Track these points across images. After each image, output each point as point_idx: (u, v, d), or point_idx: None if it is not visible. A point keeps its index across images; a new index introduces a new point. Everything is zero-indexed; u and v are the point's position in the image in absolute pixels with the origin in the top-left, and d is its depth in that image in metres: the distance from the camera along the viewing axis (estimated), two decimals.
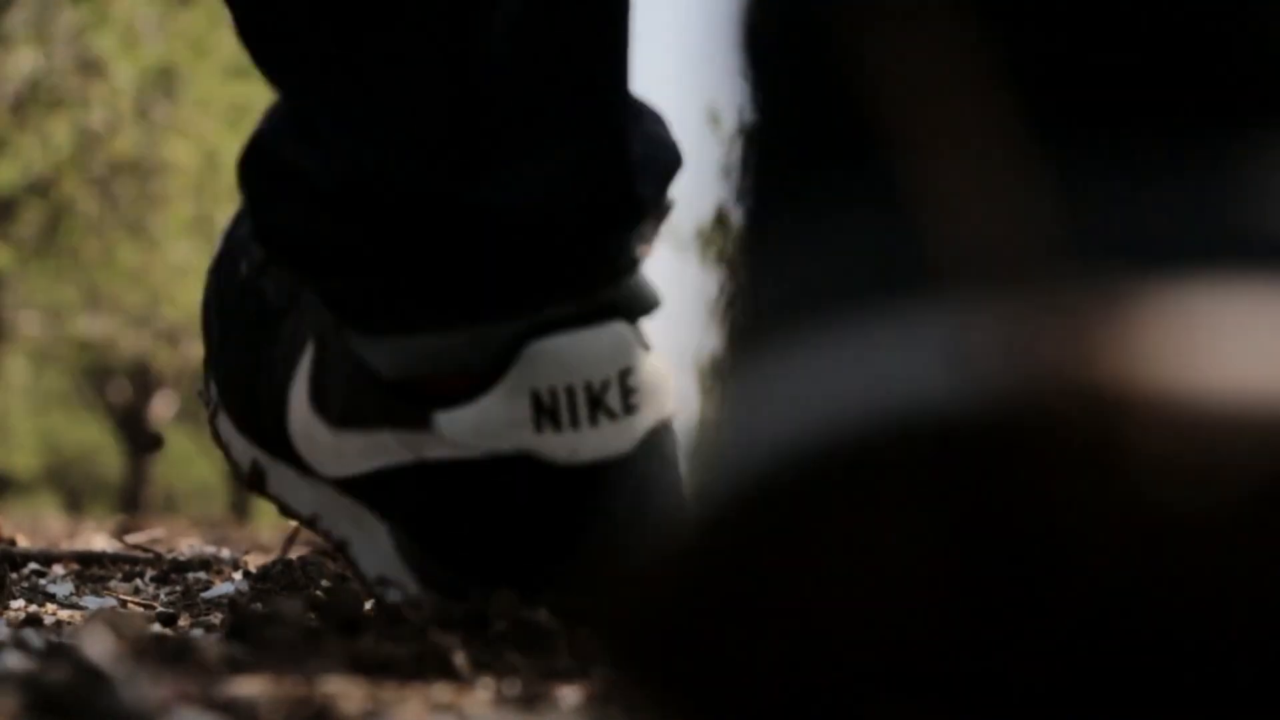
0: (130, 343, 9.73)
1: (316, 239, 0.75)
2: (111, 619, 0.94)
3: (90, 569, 1.80)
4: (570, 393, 0.71)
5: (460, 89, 0.71)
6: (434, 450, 0.74)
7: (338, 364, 0.77)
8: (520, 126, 0.71)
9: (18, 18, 5.95)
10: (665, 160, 0.75)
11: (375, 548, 0.86)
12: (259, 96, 6.96)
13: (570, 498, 0.74)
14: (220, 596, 1.50)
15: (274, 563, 1.56)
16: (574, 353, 0.71)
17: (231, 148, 6.52)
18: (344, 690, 0.89)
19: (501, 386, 0.72)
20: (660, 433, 0.75)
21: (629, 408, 0.73)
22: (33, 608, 1.47)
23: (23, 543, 2.03)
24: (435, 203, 0.71)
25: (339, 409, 0.78)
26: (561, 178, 0.71)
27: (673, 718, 0.33)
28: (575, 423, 0.72)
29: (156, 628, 1.23)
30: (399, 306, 0.73)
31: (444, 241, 0.72)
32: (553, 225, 0.72)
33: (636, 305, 0.74)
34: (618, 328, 0.72)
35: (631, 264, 0.74)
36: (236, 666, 0.93)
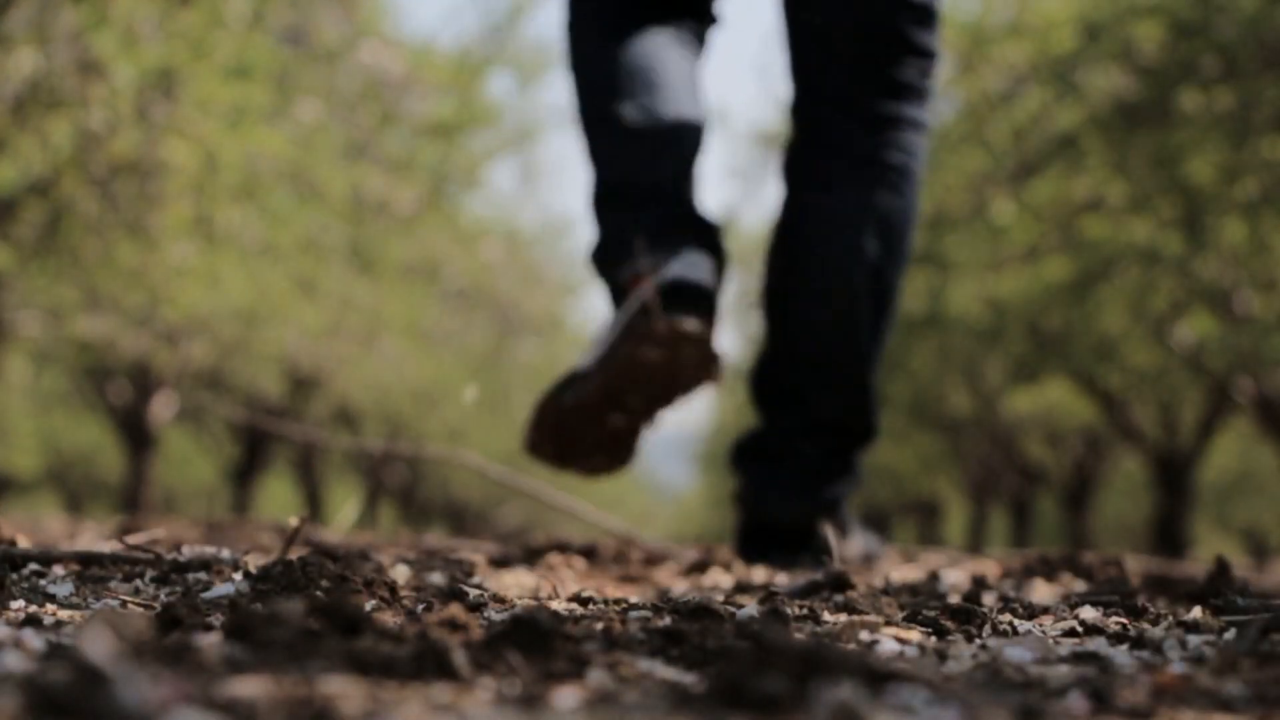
0: (130, 343, 9.72)
1: None
2: (111, 619, 0.94)
3: (90, 569, 1.80)
4: None
5: None
6: None
7: None
8: None
9: (18, 18, 5.94)
10: None
11: None
12: (259, 96, 6.95)
13: None
14: (220, 596, 1.51)
15: (274, 563, 1.57)
16: None
17: (231, 148, 6.49)
18: (344, 690, 0.89)
19: None
20: None
21: None
22: (33, 608, 1.47)
23: (23, 543, 2.03)
24: None
25: None
26: None
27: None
28: None
29: (156, 628, 1.23)
30: None
31: None
32: None
33: None
34: None
35: None
36: (236, 666, 0.93)
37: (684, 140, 2.45)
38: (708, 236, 2.44)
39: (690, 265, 2.35)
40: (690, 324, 2.31)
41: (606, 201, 2.49)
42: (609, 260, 2.47)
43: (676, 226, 2.40)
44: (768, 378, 2.65)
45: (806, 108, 2.61)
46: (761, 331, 2.71)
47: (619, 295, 2.46)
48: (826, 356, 2.53)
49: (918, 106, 2.57)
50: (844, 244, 2.50)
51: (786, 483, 2.58)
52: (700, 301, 2.35)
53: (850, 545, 2.63)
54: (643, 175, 2.43)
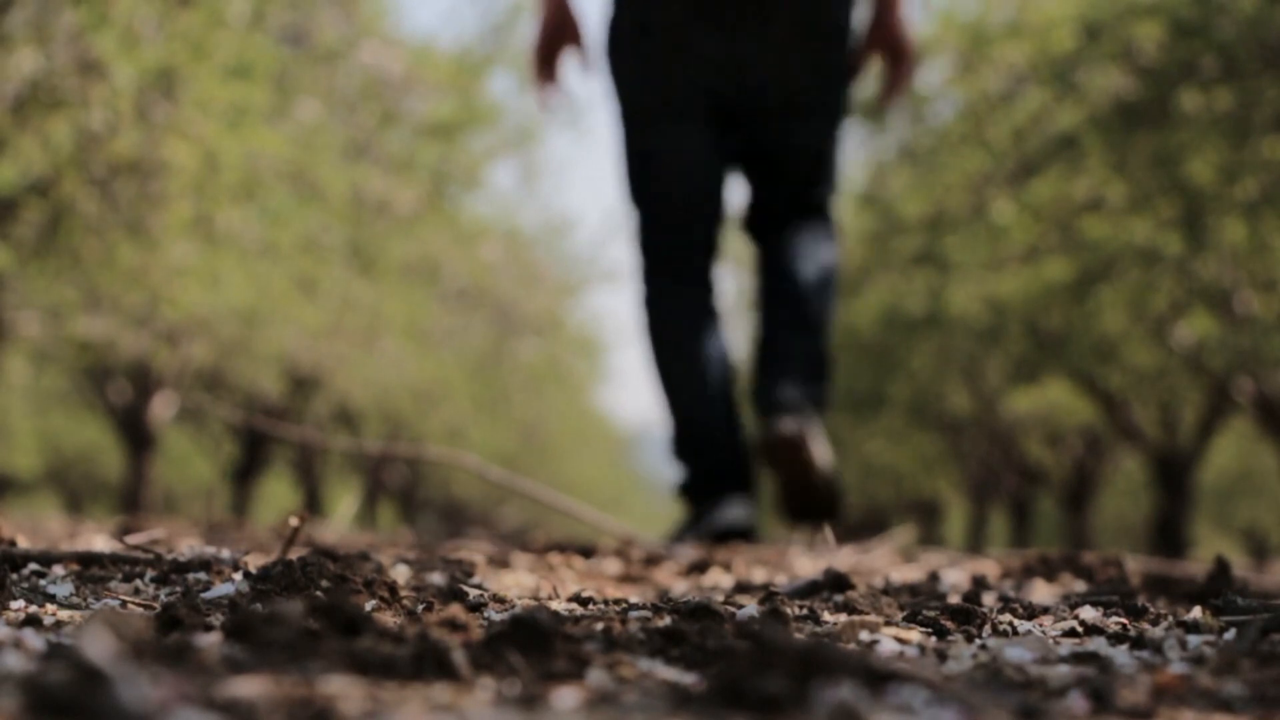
0: (130, 343, 9.72)
1: None
2: (111, 619, 0.94)
3: (90, 569, 1.80)
4: None
5: None
6: None
7: None
8: None
9: (18, 18, 5.94)
10: None
11: None
12: (259, 96, 6.95)
13: None
14: (220, 596, 1.51)
15: (274, 563, 1.57)
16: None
17: (231, 148, 6.48)
18: (344, 690, 0.89)
19: None
20: None
21: None
22: (33, 608, 1.47)
23: (23, 543, 2.03)
24: None
25: None
26: None
27: None
28: None
29: (156, 628, 1.23)
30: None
31: None
32: None
33: None
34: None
35: None
36: (236, 666, 0.93)
37: (726, 399, 3.70)
38: (746, 476, 3.70)
39: (735, 510, 3.60)
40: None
41: (680, 448, 3.73)
42: (688, 494, 3.72)
43: (724, 477, 3.65)
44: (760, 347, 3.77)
45: (759, 212, 3.80)
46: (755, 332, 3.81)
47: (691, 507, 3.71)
48: (801, 315, 3.68)
49: (830, 218, 3.82)
50: (804, 268, 3.69)
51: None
52: (742, 532, 3.57)
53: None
54: (701, 429, 3.68)
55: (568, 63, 3.76)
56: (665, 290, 3.71)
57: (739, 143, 3.69)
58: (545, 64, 3.71)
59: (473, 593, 1.77)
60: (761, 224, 3.79)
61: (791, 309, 3.65)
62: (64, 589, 1.62)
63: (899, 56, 3.69)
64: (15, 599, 1.53)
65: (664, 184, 3.66)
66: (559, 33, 3.69)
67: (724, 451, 3.64)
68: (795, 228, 3.70)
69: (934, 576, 2.49)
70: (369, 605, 1.47)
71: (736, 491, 3.62)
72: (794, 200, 3.73)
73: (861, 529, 19.97)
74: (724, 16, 3.50)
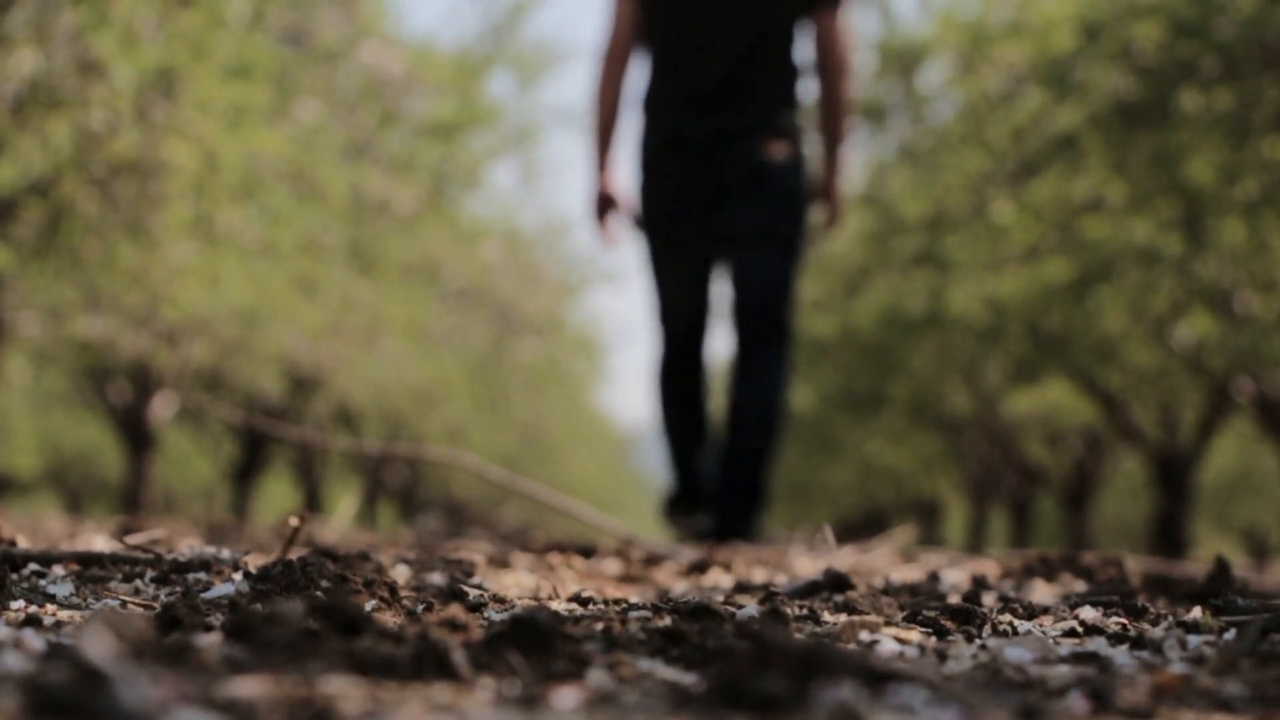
0: (130, 343, 9.72)
1: None
2: (111, 619, 0.94)
3: (90, 570, 1.80)
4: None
5: None
6: None
7: None
8: None
9: (18, 18, 5.94)
10: None
11: None
12: (259, 96, 6.95)
13: None
14: (220, 597, 1.51)
15: (274, 563, 1.57)
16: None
17: (231, 148, 6.45)
18: (344, 690, 0.89)
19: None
20: None
21: None
22: (33, 608, 1.47)
23: (23, 543, 2.03)
24: None
25: None
26: None
27: None
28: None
29: (156, 628, 1.23)
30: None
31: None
32: None
33: None
34: None
35: None
36: (236, 666, 0.93)
37: (704, 452, 5.02)
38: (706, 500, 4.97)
39: (701, 520, 4.87)
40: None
41: (671, 472, 5.04)
42: (670, 510, 5.03)
43: (697, 502, 4.95)
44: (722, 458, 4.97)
45: (738, 332, 4.98)
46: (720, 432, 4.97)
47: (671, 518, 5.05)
48: (752, 449, 4.86)
49: (788, 337, 5.00)
50: (760, 403, 4.86)
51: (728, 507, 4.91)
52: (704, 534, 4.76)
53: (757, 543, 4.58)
54: (687, 474, 5.00)
55: (617, 218, 5.07)
56: (669, 370, 5.07)
57: (727, 268, 4.98)
58: (601, 223, 5.06)
59: (473, 593, 1.77)
60: (740, 325, 5.04)
61: (745, 441, 4.88)
62: (64, 589, 1.62)
63: (833, 206, 5.07)
64: (15, 599, 1.53)
65: (672, 303, 5.06)
66: (606, 201, 5.03)
67: (695, 480, 4.98)
68: (760, 350, 4.92)
69: (934, 576, 2.49)
70: (369, 605, 1.47)
71: (701, 507, 4.95)
72: (763, 311, 4.97)
73: (861, 529, 19.96)
74: (715, 192, 4.89)
